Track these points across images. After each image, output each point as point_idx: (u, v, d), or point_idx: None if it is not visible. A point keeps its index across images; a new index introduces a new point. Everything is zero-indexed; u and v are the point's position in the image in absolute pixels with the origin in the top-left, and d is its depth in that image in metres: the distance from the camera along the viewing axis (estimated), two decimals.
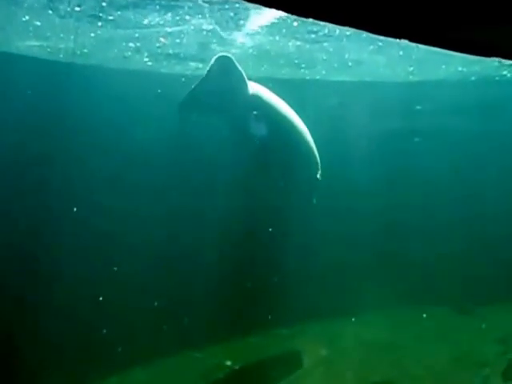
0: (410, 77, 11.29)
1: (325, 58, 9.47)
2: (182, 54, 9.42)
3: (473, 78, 11.57)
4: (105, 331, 7.99)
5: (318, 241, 9.83)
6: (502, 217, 11.01)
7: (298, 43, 8.49)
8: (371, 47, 8.69)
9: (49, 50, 9.09)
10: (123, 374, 8.07)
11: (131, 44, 8.52)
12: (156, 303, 8.55)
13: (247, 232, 9.30)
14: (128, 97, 9.22)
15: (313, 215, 8.63)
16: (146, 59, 9.68)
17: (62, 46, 8.77)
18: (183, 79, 10.10)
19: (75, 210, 8.52)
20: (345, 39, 8.15)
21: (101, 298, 8.18)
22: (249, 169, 7.22)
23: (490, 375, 7.80)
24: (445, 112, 12.04)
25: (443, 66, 10.43)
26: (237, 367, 8.32)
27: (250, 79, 7.16)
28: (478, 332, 9.43)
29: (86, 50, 9.13)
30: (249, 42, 8.52)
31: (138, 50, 9.00)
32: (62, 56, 9.46)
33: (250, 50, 9.01)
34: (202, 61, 9.58)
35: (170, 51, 9.10)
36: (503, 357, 8.45)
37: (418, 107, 12.03)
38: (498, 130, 11.86)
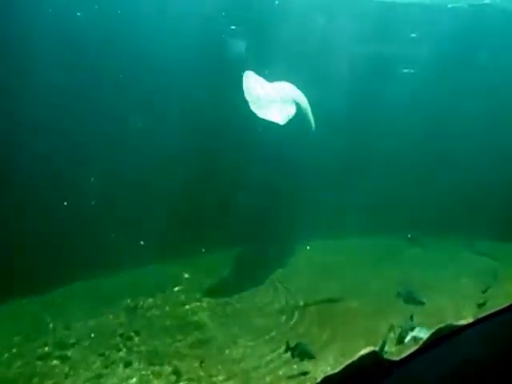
0: None
1: None
2: None
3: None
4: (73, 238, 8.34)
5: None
6: (468, 150, 10.95)
7: None
8: None
9: None
10: (88, 280, 8.62)
11: None
12: (122, 217, 8.82)
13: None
14: None
15: None
16: None
17: None
18: None
19: None
20: None
21: (65, 203, 8.36)
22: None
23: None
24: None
25: None
26: (194, 278, 8.86)
27: None
28: (422, 258, 10.08)
29: None
30: None
31: None
32: None
33: None
34: None
35: None
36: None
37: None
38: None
